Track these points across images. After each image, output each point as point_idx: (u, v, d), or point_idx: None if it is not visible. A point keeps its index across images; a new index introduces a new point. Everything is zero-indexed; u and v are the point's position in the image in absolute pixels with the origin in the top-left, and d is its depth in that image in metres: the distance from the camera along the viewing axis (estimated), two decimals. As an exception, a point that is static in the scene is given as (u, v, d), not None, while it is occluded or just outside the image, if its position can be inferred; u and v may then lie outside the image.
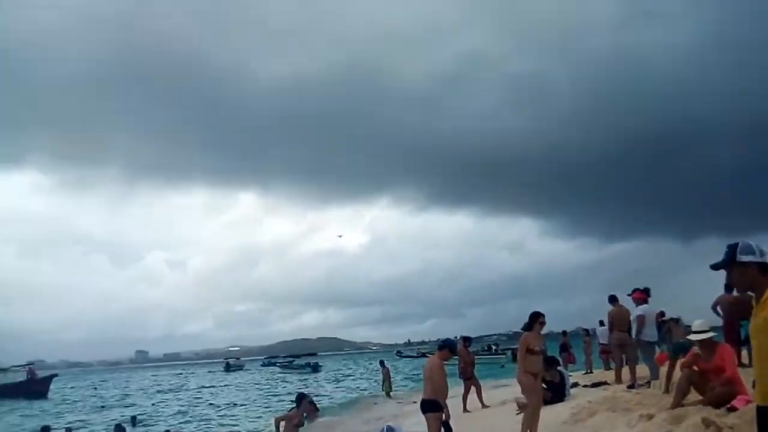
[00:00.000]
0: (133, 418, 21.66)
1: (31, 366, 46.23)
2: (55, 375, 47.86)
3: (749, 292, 2.93)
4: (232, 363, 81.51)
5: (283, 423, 9.03)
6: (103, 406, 30.75)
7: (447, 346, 7.61)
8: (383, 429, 6.07)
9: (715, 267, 2.98)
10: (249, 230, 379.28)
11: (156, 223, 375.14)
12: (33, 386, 41.80)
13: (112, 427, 17.68)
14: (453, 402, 14.35)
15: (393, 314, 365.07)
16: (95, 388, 52.19)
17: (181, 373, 79.28)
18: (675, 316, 11.25)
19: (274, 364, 75.70)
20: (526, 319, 7.73)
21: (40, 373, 46.48)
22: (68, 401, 36.61)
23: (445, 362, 7.50)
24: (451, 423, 7.49)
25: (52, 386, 44.30)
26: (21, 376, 43.56)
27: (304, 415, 9.27)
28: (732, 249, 2.92)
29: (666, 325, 9.92)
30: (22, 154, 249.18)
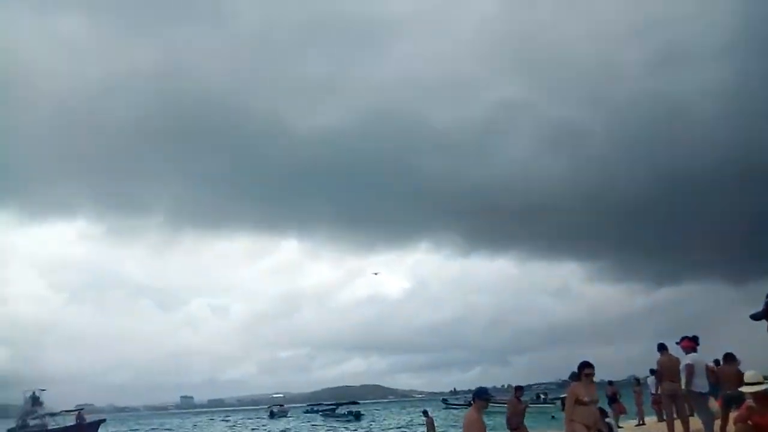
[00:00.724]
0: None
1: (80, 410, 47.18)
2: (104, 420, 48.70)
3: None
4: (276, 410, 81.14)
5: None
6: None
7: (478, 396, 7.30)
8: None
9: (755, 317, 2.86)
10: (290, 276, 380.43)
11: (199, 269, 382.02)
12: (82, 430, 42.58)
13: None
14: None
15: (438, 361, 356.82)
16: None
17: (228, 419, 79.26)
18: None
19: (316, 412, 75.04)
20: (576, 369, 7.51)
21: (89, 418, 47.33)
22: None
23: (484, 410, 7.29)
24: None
25: (101, 431, 45.11)
26: (70, 421, 44.47)
27: None
28: (770, 296, 2.79)
29: (713, 374, 9.38)
30: (71, 204, 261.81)
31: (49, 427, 43.53)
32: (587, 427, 7.34)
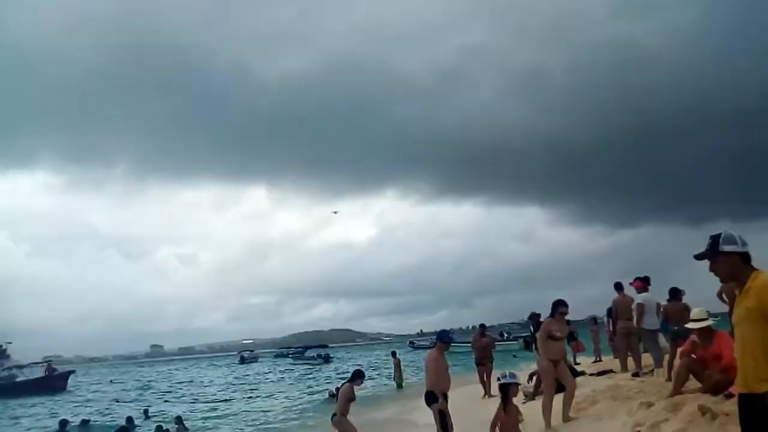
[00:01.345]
0: (145, 410, 21.99)
1: (49, 362, 47.01)
2: (73, 371, 48.64)
3: (732, 282, 2.99)
4: (246, 356, 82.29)
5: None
6: (117, 400, 31.23)
7: (440, 339, 7.74)
8: (506, 374, 6.93)
9: (698, 257, 3.03)
10: (258, 224, 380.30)
11: (166, 219, 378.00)
12: (52, 382, 42.53)
13: (124, 419, 18.05)
14: (471, 389, 14.53)
15: (405, 305, 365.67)
16: (111, 382, 52.97)
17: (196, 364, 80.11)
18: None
19: (286, 356, 76.39)
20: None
21: (58, 369, 47.24)
22: (85, 396, 37.20)
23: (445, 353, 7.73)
24: (469, 408, 7.66)
25: (70, 381, 45.16)
26: (39, 373, 44.32)
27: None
28: (714, 239, 2.97)
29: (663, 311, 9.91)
30: (32, 156, 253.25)
31: (18, 380, 43.32)
32: (555, 361, 7.81)
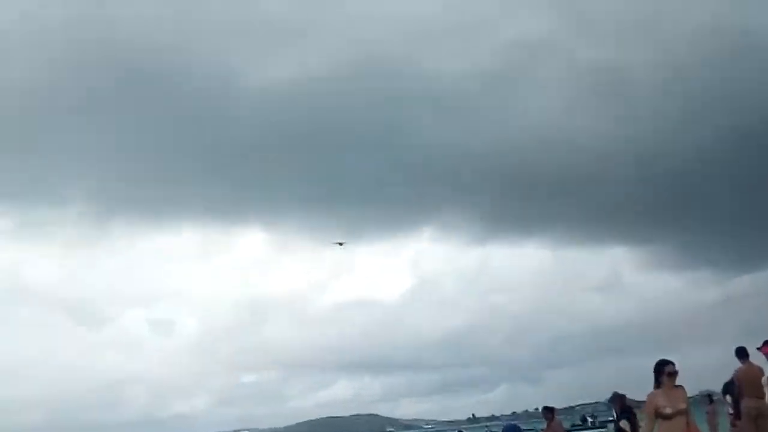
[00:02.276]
0: None
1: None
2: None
3: None
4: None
5: None
6: None
7: None
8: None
9: None
10: (255, 277, 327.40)
11: (133, 273, 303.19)
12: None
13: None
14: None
15: (450, 381, 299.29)
16: None
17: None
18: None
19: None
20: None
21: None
22: None
23: None
24: None
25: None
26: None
27: None
28: None
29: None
30: None
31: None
32: None
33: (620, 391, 13.63)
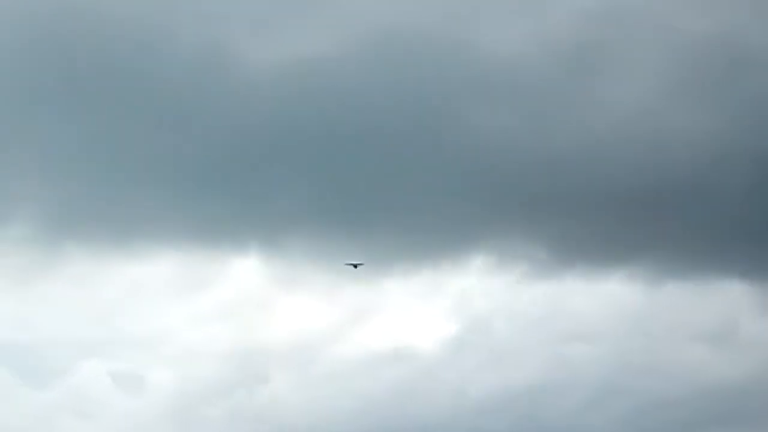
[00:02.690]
0: None
1: None
2: None
3: None
4: None
5: None
6: None
7: None
8: None
9: None
10: (250, 319, 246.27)
11: (93, 312, 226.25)
12: None
13: None
14: None
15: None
16: None
17: None
18: None
19: None
20: None
21: None
22: None
23: None
24: None
25: None
26: None
27: None
28: None
29: None
30: None
31: None
32: None
33: None
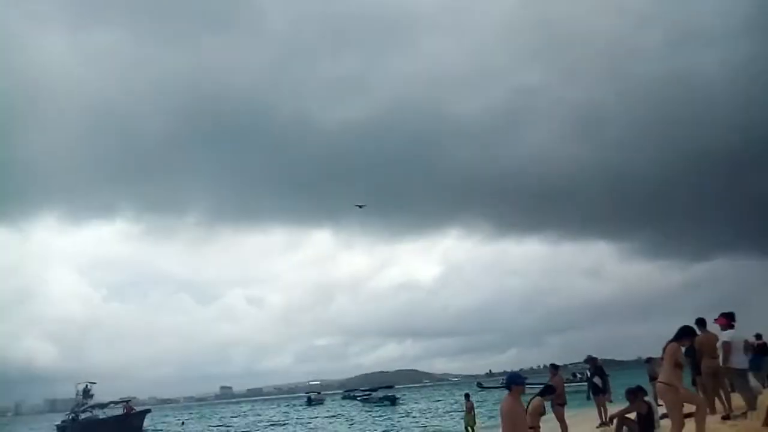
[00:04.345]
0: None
1: (128, 401, 48.90)
2: (149, 410, 50.38)
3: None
4: (313, 397, 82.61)
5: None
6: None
7: (514, 383, 6.74)
8: None
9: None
10: (324, 266, 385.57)
11: (235, 263, 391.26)
12: (130, 420, 44.29)
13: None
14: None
15: (472, 345, 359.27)
16: (182, 423, 54.51)
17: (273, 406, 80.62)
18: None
19: (354, 398, 76.24)
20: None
21: (135, 409, 48.99)
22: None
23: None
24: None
25: (146, 421, 46.90)
26: (118, 411, 46.16)
27: None
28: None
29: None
30: (112, 207, 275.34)
31: (99, 418, 45.28)
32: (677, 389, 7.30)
33: (593, 355, 15.80)
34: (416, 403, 57.64)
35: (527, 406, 8.43)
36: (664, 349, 7.69)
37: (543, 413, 9.52)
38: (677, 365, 7.25)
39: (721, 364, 9.89)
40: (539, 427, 9.27)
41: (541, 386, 10.44)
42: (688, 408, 7.62)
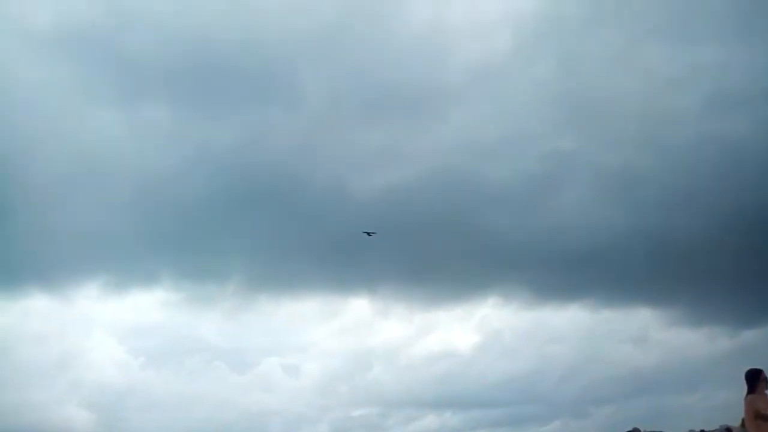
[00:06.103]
0: None
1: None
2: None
3: None
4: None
5: None
6: None
7: None
8: None
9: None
10: (361, 334, 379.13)
11: (271, 331, 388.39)
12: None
13: None
14: None
15: (514, 416, 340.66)
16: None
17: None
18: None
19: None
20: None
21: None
22: None
23: None
24: None
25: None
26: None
27: None
28: None
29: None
30: (153, 275, 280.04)
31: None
32: None
33: (636, 426, 14.39)
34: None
35: None
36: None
37: None
38: (759, 417, 6.12)
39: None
40: None
41: None
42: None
